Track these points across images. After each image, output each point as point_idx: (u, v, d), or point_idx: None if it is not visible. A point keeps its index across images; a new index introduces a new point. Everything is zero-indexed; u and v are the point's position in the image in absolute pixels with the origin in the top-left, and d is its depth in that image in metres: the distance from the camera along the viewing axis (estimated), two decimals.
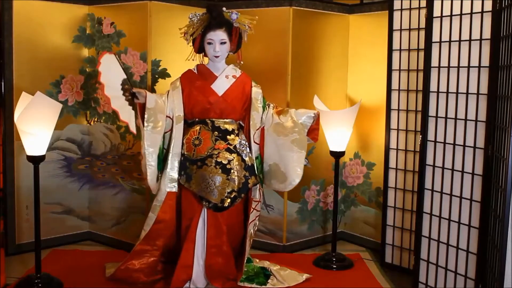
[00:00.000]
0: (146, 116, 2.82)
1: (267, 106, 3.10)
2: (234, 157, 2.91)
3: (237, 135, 2.99)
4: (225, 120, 2.97)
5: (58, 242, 3.68)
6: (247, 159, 2.98)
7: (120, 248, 3.56)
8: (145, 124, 2.84)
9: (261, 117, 3.06)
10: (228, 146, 2.93)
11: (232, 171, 2.88)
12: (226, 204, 2.87)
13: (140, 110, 2.86)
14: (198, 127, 2.97)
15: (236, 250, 3.10)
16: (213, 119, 2.96)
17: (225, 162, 2.88)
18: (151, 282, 2.99)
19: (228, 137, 2.95)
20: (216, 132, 2.94)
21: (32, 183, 2.98)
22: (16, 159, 3.44)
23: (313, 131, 3.05)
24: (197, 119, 2.99)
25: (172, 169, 2.96)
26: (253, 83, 3.08)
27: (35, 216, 2.98)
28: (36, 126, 2.82)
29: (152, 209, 2.99)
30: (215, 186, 2.85)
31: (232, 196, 2.87)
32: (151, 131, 2.86)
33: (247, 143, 3.02)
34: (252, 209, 3.04)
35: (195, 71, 3.03)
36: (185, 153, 2.95)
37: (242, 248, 3.12)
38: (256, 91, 3.07)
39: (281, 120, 3.02)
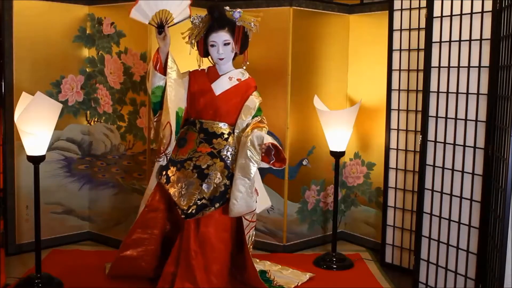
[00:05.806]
0: (169, 62, 2.67)
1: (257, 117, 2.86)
2: (215, 163, 2.73)
3: (226, 140, 2.79)
4: (217, 122, 2.81)
5: (58, 242, 3.67)
6: (232, 167, 2.74)
7: None
8: (168, 71, 2.67)
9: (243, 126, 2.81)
10: (212, 150, 2.76)
11: (208, 177, 2.70)
12: (190, 211, 2.64)
13: (160, 57, 2.68)
14: (186, 127, 2.87)
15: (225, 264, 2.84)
16: (203, 120, 2.81)
17: (203, 166, 2.72)
18: (154, 268, 2.89)
19: (214, 140, 2.78)
20: (202, 134, 2.80)
21: (32, 183, 2.97)
22: (16, 159, 3.43)
23: (282, 160, 2.73)
24: (191, 119, 2.87)
25: (164, 160, 2.84)
26: (255, 93, 2.88)
27: (35, 216, 2.98)
28: (36, 126, 2.82)
29: (144, 197, 2.91)
30: (187, 191, 2.68)
31: (200, 203, 2.65)
32: (175, 80, 2.71)
33: (235, 151, 2.77)
34: (245, 220, 2.81)
35: (206, 71, 2.89)
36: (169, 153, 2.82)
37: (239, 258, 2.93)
38: (253, 100, 2.83)
39: (242, 138, 2.72)
